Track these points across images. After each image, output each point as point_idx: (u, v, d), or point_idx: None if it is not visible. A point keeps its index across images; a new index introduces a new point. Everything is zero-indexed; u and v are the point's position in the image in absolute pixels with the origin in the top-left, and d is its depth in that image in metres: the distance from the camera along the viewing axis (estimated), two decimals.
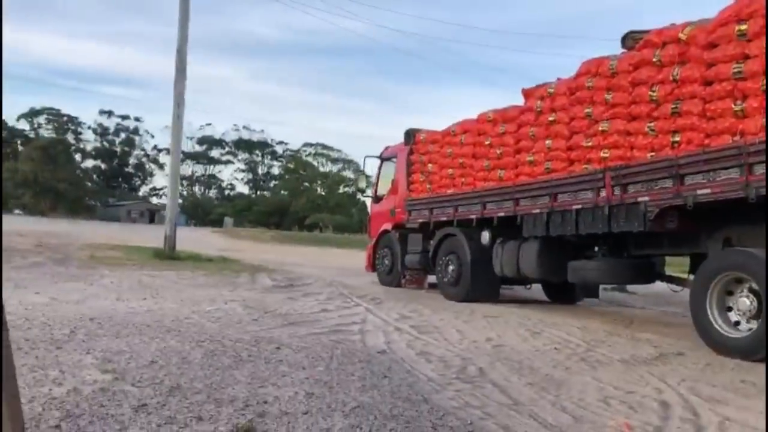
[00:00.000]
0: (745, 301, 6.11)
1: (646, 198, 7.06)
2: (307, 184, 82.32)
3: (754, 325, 6.00)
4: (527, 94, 9.45)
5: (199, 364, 4.61)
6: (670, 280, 8.49)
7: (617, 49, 8.05)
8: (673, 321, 8.96)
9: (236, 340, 5.61)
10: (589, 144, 8.03)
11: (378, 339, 6.36)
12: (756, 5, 6.15)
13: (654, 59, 7.15)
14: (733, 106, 6.31)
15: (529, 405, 4.12)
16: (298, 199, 75.67)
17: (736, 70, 6.25)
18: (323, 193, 79.51)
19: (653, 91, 7.13)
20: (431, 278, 11.96)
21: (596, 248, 8.64)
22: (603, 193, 7.65)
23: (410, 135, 12.36)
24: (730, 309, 6.31)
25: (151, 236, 21.74)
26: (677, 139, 6.88)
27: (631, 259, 8.31)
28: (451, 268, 10.66)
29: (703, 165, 6.45)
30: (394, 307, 8.82)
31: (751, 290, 6.07)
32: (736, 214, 6.64)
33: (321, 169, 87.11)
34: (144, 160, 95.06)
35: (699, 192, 6.49)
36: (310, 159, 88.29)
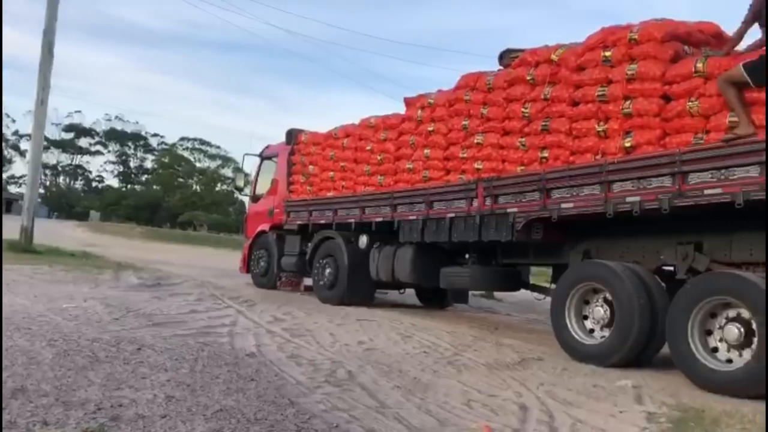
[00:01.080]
0: (599, 311, 6.51)
1: (515, 209, 7.37)
2: (182, 179, 79.34)
3: (606, 333, 6.41)
4: (409, 103, 9.62)
5: (49, 364, 4.29)
6: (535, 288, 8.93)
7: (495, 66, 8.39)
8: (536, 328, 9.40)
9: (93, 340, 5.27)
10: (465, 155, 8.29)
11: (248, 341, 6.20)
12: (619, 34, 6.61)
13: (528, 77, 7.51)
14: (596, 126, 6.73)
15: (396, 408, 4.16)
16: (172, 195, 72.83)
17: (600, 93, 6.68)
18: (199, 190, 76.95)
19: (526, 108, 7.47)
20: (307, 281, 11.87)
21: (467, 256, 8.93)
22: (475, 203, 7.92)
23: (292, 135, 12.24)
24: (586, 317, 6.70)
25: (5, 227, 20.11)
26: (545, 155, 7.25)
27: (500, 267, 8.64)
28: (328, 271, 10.62)
29: (568, 181, 6.83)
30: (268, 310, 8.66)
31: (605, 300, 6.48)
32: (596, 228, 7.09)
33: (198, 164, 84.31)
34: (3, 145, 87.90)
35: (563, 206, 6.86)
36: (186, 154, 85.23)
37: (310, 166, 11.66)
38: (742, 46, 6.07)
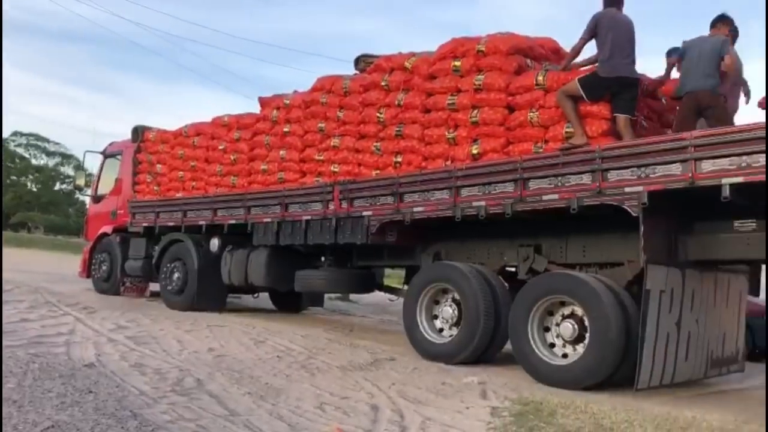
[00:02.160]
0: (448, 310, 6.74)
1: (370, 212, 7.47)
2: (14, 177, 72.90)
3: (455, 331, 6.65)
4: (264, 103, 9.47)
5: None
6: (388, 290, 9.11)
7: (351, 70, 8.47)
8: (389, 328, 9.58)
9: None
10: (321, 158, 8.29)
11: (87, 351, 5.79)
12: (468, 46, 6.91)
13: (382, 83, 7.65)
14: (446, 133, 6.98)
15: (246, 415, 4.05)
16: (3, 194, 66.70)
17: (450, 102, 6.94)
18: (35, 189, 71.08)
19: (380, 113, 7.60)
20: (154, 286, 11.30)
21: (323, 258, 8.92)
22: (331, 206, 7.93)
23: (138, 132, 11.62)
24: (436, 317, 6.92)
25: None
26: (399, 159, 7.41)
27: (355, 269, 8.72)
28: (176, 275, 10.18)
29: (420, 185, 7.03)
30: (110, 317, 8.15)
31: (454, 300, 6.73)
32: (446, 231, 7.34)
33: (34, 161, 77.81)
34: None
35: (415, 209, 7.04)
36: (21, 150, 78.39)
37: (158, 165, 11.14)
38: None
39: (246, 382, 5.02)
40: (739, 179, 4.99)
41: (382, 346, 7.36)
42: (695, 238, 5.84)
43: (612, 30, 6.09)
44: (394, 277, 11.09)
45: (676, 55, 6.45)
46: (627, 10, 6.36)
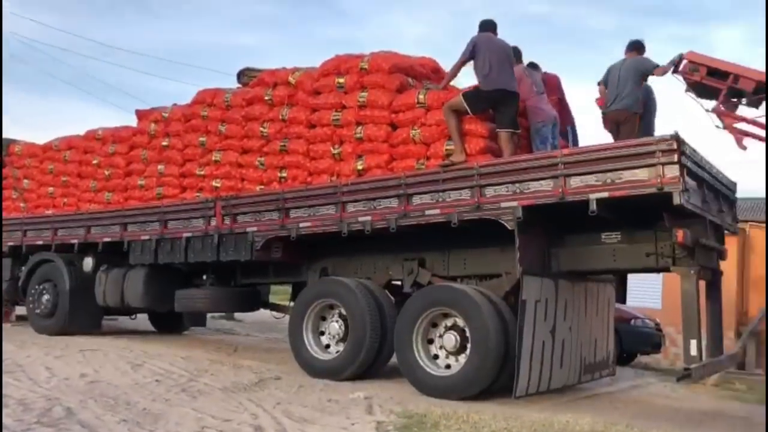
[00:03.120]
0: (335, 326, 6.72)
1: (254, 228, 7.34)
2: None
3: (341, 347, 6.64)
4: (141, 115, 9.12)
5: None
6: (274, 307, 8.96)
7: (233, 83, 8.34)
8: (275, 347, 9.42)
9: None
10: (202, 173, 8.08)
11: None
12: (352, 63, 6.99)
13: (266, 97, 7.58)
14: (331, 149, 7.01)
15: None
16: None
17: (335, 118, 6.98)
18: None
19: (264, 128, 7.52)
20: (21, 310, 10.51)
21: (205, 277, 8.65)
22: (213, 222, 7.72)
23: (3, 145, 10.83)
24: (322, 333, 6.88)
25: None
26: (284, 174, 7.36)
27: (239, 287, 8.51)
28: (45, 297, 9.52)
29: (306, 200, 7.00)
30: None
31: (341, 315, 6.72)
32: (333, 247, 7.33)
33: None
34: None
35: (301, 225, 6.99)
36: None
37: (25, 181, 10.44)
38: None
39: (121, 408, 4.76)
40: (605, 194, 5.33)
41: (268, 365, 7.23)
42: (567, 250, 6.17)
43: (489, 50, 6.40)
44: (281, 293, 10.94)
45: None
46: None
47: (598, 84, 7.13)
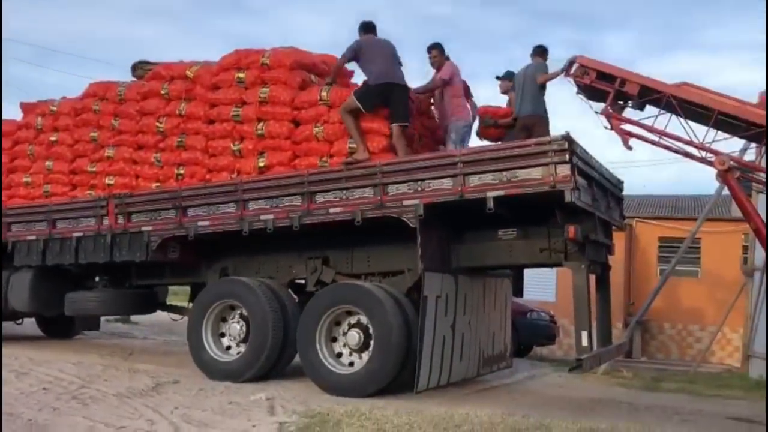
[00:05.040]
0: (236, 327, 6.60)
1: (150, 228, 7.07)
2: None
3: (243, 348, 6.52)
4: (27, 109, 8.63)
5: None
6: (171, 309, 8.67)
7: (128, 76, 8.00)
8: (174, 350, 9.13)
9: None
10: (94, 169, 7.72)
11: None
12: (253, 58, 6.86)
13: (162, 92, 7.32)
14: (231, 146, 6.86)
15: None
16: None
17: (234, 113, 6.83)
18: None
19: (160, 123, 7.26)
20: None
21: (97, 278, 8.26)
22: (106, 221, 7.39)
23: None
24: (223, 335, 6.73)
25: None
26: (182, 171, 7.13)
27: (134, 289, 8.18)
28: None
29: (205, 198, 6.81)
30: None
31: (242, 316, 6.59)
32: (233, 246, 7.17)
33: None
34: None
35: (200, 224, 6.80)
36: None
37: None
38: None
39: (4, 420, 4.46)
40: (501, 192, 5.51)
41: (166, 369, 6.99)
42: (466, 247, 6.33)
43: (374, 49, 6.53)
44: (181, 294, 10.61)
45: (505, 79, 7.31)
46: None
47: (497, 78, 7.35)
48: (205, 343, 6.65)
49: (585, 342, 5.53)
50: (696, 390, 7.93)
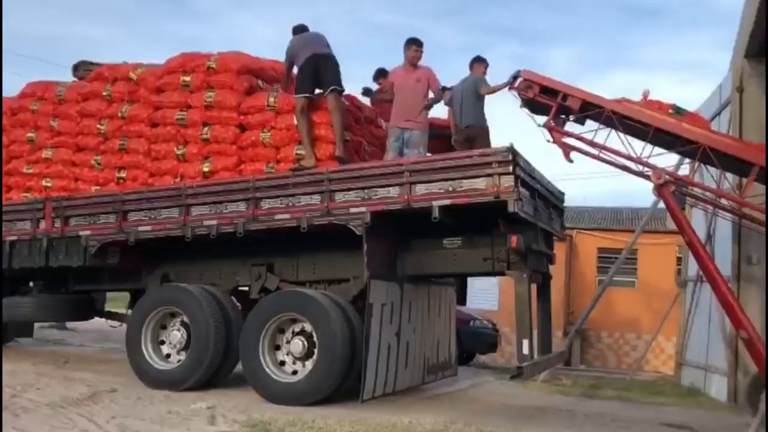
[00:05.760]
0: (177, 335, 6.46)
1: (88, 232, 6.88)
2: None
3: (183, 356, 6.39)
4: None
5: None
6: (110, 315, 8.43)
7: (69, 77, 7.79)
8: (111, 357, 8.87)
9: None
10: (30, 171, 7.50)
11: None
12: (198, 61, 6.78)
13: (104, 93, 7.16)
14: (175, 149, 6.75)
15: None
16: None
17: (179, 117, 6.73)
18: None
19: (102, 125, 7.11)
20: None
21: (32, 284, 7.98)
22: (43, 225, 7.16)
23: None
24: (163, 342, 6.59)
25: None
26: (123, 175, 6.99)
27: (71, 295, 7.94)
28: None
29: (147, 203, 6.67)
30: None
31: (183, 324, 6.47)
32: (176, 252, 7.04)
33: None
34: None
35: (141, 229, 6.66)
36: None
37: None
38: None
39: None
40: (447, 202, 5.57)
41: (103, 377, 6.79)
42: (412, 255, 6.36)
43: (303, 41, 6.61)
44: (120, 300, 10.32)
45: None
46: None
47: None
48: (144, 351, 6.49)
49: (526, 350, 5.62)
50: (632, 397, 8.16)
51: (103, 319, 8.56)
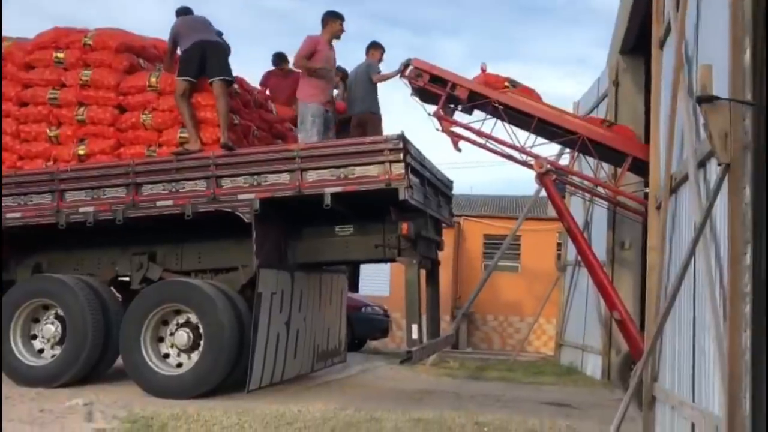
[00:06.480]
0: (50, 328, 6.06)
1: None
2: None
3: (58, 351, 6.00)
4: None
5: None
6: None
7: None
8: None
9: None
10: None
11: None
12: (74, 37, 6.34)
13: None
14: (47, 131, 6.30)
15: None
16: None
17: (52, 96, 6.28)
18: None
19: None
20: None
21: None
22: None
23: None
24: (35, 337, 6.16)
25: None
26: None
27: None
28: None
29: (15, 188, 6.21)
30: None
31: (57, 317, 6.07)
32: (49, 241, 6.59)
33: None
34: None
35: (9, 215, 6.20)
36: None
37: None
38: None
39: None
40: (339, 189, 5.52)
41: None
42: (303, 243, 6.28)
43: (188, 25, 6.37)
44: None
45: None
46: None
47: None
48: (13, 347, 6.04)
49: (415, 335, 5.70)
50: (515, 377, 8.49)
51: None
